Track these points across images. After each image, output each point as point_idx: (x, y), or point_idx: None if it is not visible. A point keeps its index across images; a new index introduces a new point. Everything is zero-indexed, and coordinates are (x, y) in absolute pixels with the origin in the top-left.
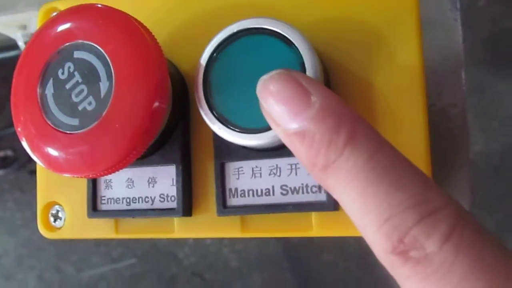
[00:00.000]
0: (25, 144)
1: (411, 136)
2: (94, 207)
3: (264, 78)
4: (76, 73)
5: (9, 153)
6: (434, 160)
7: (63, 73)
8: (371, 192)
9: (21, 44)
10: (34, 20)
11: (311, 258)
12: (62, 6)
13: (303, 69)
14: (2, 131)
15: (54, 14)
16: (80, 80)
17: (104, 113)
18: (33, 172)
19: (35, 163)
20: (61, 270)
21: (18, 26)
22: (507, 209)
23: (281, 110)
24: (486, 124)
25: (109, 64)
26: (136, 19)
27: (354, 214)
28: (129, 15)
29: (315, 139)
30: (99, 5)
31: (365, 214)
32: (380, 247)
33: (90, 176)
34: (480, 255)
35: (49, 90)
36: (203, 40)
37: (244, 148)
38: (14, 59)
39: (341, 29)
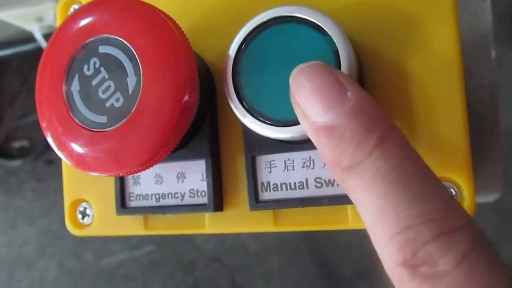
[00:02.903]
0: (51, 142)
1: (449, 124)
2: (122, 204)
3: (300, 67)
4: (102, 68)
5: (25, 143)
6: None
7: (88, 69)
8: (392, 199)
9: (38, 36)
10: (51, 12)
11: (329, 240)
12: None
13: (337, 57)
14: (17, 121)
15: (74, 6)
16: (106, 76)
17: (133, 110)
18: (49, 162)
19: (51, 152)
20: (80, 258)
21: (35, 19)
22: None
23: (313, 101)
24: (504, 100)
25: (136, 59)
26: (161, 11)
27: (369, 218)
28: (154, 6)
29: (345, 136)
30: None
31: (382, 220)
32: (391, 257)
33: (120, 174)
34: (493, 283)
35: (75, 86)
36: (228, 28)
37: (276, 140)
38: (30, 51)
39: (373, 14)
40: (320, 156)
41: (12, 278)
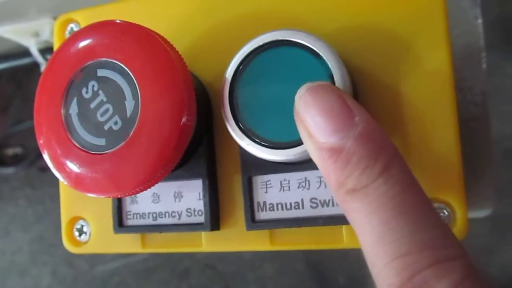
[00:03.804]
0: (49, 163)
1: (442, 145)
2: (120, 223)
3: (308, 85)
4: (100, 91)
5: (18, 150)
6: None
7: (87, 92)
8: (394, 224)
9: (34, 51)
10: (48, 28)
11: None
12: (78, 17)
13: (332, 81)
14: (10, 128)
15: (71, 25)
16: (105, 99)
17: (131, 133)
18: (43, 169)
19: (44, 160)
20: (74, 265)
21: (31, 34)
22: None
23: (321, 121)
24: (495, 108)
25: (134, 82)
26: (158, 34)
27: (368, 242)
28: (151, 30)
29: (352, 160)
30: (119, 21)
31: (381, 244)
32: (387, 280)
33: (118, 196)
34: None
35: (74, 109)
36: (226, 51)
37: (272, 161)
38: (26, 65)
39: (367, 37)
40: (322, 175)
41: (4, 285)
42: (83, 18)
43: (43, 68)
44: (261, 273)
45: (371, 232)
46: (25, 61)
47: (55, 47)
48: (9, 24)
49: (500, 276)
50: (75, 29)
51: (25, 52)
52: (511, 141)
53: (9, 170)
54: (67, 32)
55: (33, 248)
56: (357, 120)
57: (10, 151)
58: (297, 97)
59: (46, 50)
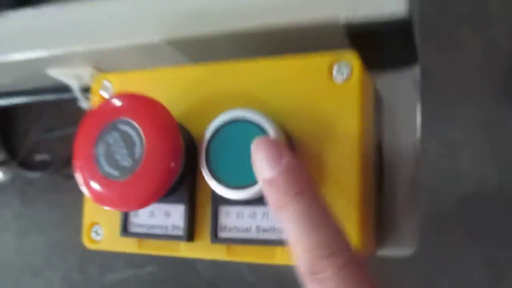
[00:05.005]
0: (80, 182)
1: (348, 196)
2: (125, 229)
3: (256, 140)
4: (120, 140)
5: (46, 157)
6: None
7: (111, 139)
8: (303, 231)
9: (76, 90)
10: (88, 74)
11: None
12: (110, 77)
13: None
14: (41, 136)
15: (105, 82)
16: (121, 145)
17: (136, 170)
18: (68, 177)
19: (70, 168)
20: (85, 271)
21: (74, 76)
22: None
23: (261, 163)
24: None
25: (141, 136)
26: (160, 103)
27: (290, 242)
28: (155, 100)
29: (279, 188)
30: (135, 94)
31: (298, 243)
32: (300, 267)
33: (125, 210)
34: (361, 281)
35: (101, 149)
36: (210, 115)
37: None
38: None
39: (301, 112)
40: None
41: (17, 284)
42: (114, 78)
43: (80, 102)
44: None
45: (291, 236)
46: (66, 95)
47: (92, 96)
48: (57, 67)
49: None
50: (108, 85)
51: (67, 88)
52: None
53: (35, 175)
54: (102, 87)
55: (48, 251)
56: (283, 162)
57: (39, 157)
58: (251, 149)
59: (85, 89)
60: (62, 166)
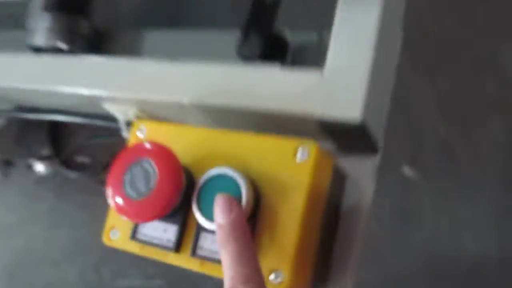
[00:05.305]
0: (109, 196)
1: (288, 240)
2: (134, 235)
3: (219, 195)
4: (141, 172)
5: (86, 160)
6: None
7: (135, 171)
8: (231, 263)
9: (121, 122)
10: (132, 113)
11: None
12: (146, 124)
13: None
14: (85, 140)
15: (141, 126)
16: (142, 176)
17: (149, 195)
18: (102, 182)
19: (105, 175)
20: (99, 272)
21: (122, 112)
22: None
23: (218, 211)
24: None
25: (156, 173)
26: (173, 153)
27: (223, 269)
28: (170, 150)
29: (224, 232)
30: (158, 144)
31: (225, 271)
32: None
33: (136, 222)
34: None
35: (128, 176)
36: (208, 165)
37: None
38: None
39: (269, 175)
40: None
41: (37, 271)
42: (147, 125)
43: (123, 132)
44: None
45: (223, 264)
46: (113, 124)
47: (130, 135)
48: (110, 103)
49: None
50: (143, 128)
51: (115, 119)
52: None
53: (73, 174)
54: (139, 128)
55: (70, 247)
56: (231, 215)
57: (80, 159)
58: (215, 201)
59: (128, 123)
60: (99, 171)
